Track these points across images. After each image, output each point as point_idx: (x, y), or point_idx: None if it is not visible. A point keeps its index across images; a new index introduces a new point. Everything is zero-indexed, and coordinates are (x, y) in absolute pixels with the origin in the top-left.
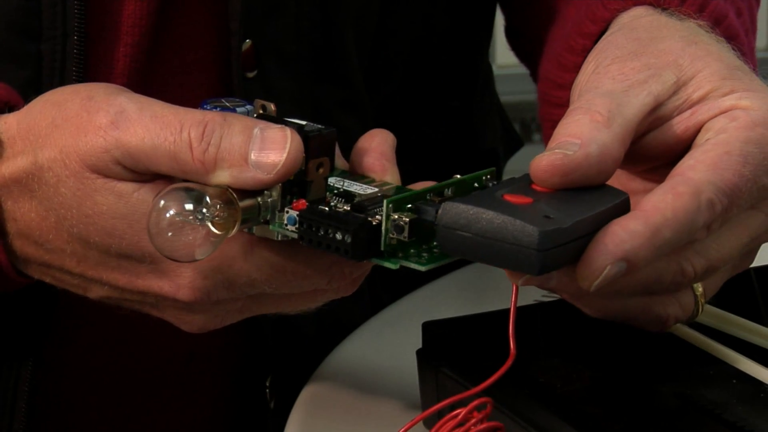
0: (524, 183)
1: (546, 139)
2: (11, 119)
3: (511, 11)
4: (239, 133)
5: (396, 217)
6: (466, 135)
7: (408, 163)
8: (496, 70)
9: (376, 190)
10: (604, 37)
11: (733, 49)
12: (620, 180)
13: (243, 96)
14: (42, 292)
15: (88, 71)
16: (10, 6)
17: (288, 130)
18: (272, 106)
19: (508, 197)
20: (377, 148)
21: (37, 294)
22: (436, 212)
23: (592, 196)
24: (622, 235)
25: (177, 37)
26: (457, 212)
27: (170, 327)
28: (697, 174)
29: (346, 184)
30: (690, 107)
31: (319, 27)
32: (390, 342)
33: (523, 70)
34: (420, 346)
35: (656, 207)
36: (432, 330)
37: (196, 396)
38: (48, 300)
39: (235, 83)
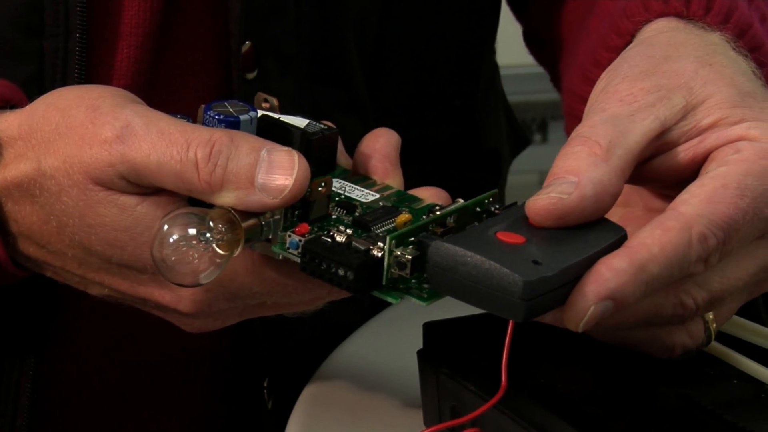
0: (521, 216)
1: None
2: (12, 119)
3: (530, 17)
4: (246, 155)
5: (398, 253)
6: (469, 135)
7: (409, 163)
8: None
9: (378, 196)
10: (622, 53)
11: (755, 60)
12: (643, 199)
13: (243, 97)
14: (43, 290)
15: (90, 70)
16: (13, 3)
17: (295, 154)
18: (275, 101)
19: (501, 236)
20: (381, 149)
21: (37, 291)
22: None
23: (588, 234)
24: (606, 275)
25: (178, 38)
26: (446, 253)
27: (167, 328)
28: (688, 208)
29: (347, 189)
30: (698, 134)
31: (319, 28)
32: (391, 342)
33: (523, 70)
34: (421, 346)
35: (642, 243)
36: (433, 330)
37: (193, 396)
38: (48, 298)
39: (235, 85)
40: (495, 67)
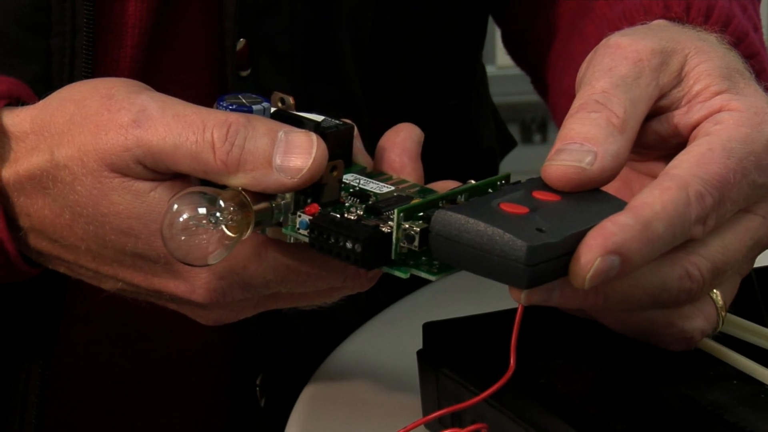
0: (525, 190)
1: None
2: (24, 114)
3: (510, 20)
4: (264, 135)
5: (407, 226)
6: (465, 134)
7: None
8: (496, 71)
9: (392, 188)
10: None
11: (751, 66)
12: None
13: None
14: (50, 292)
15: (96, 69)
16: (19, 2)
17: (314, 136)
18: (291, 100)
19: (504, 206)
20: (400, 143)
21: (45, 294)
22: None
23: (591, 208)
24: (612, 228)
25: (173, 36)
26: (449, 221)
27: (160, 325)
28: (681, 170)
29: (362, 182)
30: (687, 102)
31: (313, 25)
32: (390, 343)
33: (521, 69)
34: (420, 346)
35: (644, 202)
36: (433, 331)
37: (186, 392)
38: (56, 300)
39: (229, 82)
40: (483, 68)
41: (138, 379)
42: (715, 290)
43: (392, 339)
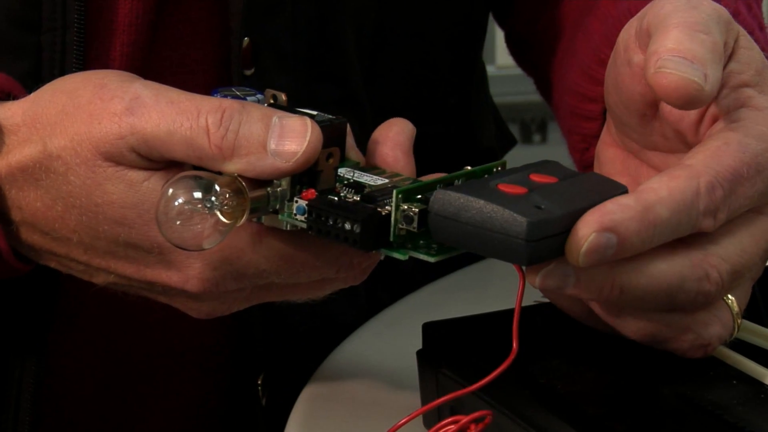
0: (522, 173)
1: (573, 151)
2: (15, 107)
3: (515, 22)
4: (258, 120)
5: (405, 207)
6: (465, 133)
7: None
8: (496, 71)
9: (387, 181)
10: None
11: None
12: (628, 170)
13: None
14: (44, 291)
15: (87, 66)
16: None
17: (308, 120)
18: (283, 96)
19: (503, 187)
20: (393, 137)
21: (39, 292)
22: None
23: (590, 189)
24: (611, 207)
25: (175, 35)
26: (448, 200)
27: (161, 322)
28: (694, 161)
29: (356, 175)
30: (734, 88)
31: (316, 25)
32: (390, 343)
33: (522, 71)
34: (420, 346)
35: (650, 187)
36: (432, 331)
37: (187, 391)
38: (49, 299)
39: (233, 82)
40: (483, 67)
41: (133, 377)
42: (730, 296)
43: (392, 339)
